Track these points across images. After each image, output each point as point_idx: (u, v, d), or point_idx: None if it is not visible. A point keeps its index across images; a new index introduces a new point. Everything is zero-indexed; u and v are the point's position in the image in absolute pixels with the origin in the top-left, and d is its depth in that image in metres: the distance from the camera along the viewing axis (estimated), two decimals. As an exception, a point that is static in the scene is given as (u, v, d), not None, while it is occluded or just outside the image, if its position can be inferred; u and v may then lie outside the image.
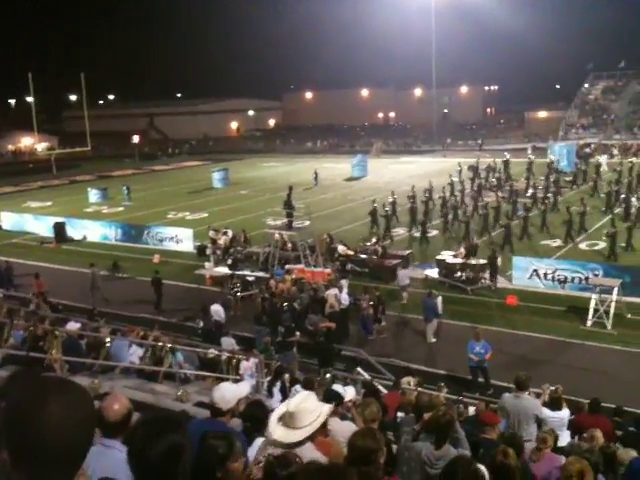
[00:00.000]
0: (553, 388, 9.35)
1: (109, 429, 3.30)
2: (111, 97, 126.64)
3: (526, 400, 7.81)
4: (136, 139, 76.26)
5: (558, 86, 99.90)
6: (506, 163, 43.04)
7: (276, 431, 3.68)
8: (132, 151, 74.53)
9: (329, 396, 6.14)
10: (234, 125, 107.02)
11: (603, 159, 46.24)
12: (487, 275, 21.31)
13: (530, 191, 34.10)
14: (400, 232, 29.62)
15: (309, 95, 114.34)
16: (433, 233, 28.37)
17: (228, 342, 14.60)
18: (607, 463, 5.62)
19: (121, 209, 40.60)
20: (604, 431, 7.46)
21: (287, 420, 3.70)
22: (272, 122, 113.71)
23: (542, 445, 6.45)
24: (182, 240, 29.23)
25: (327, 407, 3.84)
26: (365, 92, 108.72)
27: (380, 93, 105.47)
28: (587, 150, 52.50)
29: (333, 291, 17.75)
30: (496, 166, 42.53)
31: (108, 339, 11.63)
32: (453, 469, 3.98)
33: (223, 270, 23.06)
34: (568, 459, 4.74)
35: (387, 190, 34.82)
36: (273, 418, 3.79)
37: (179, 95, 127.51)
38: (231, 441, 3.13)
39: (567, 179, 39.45)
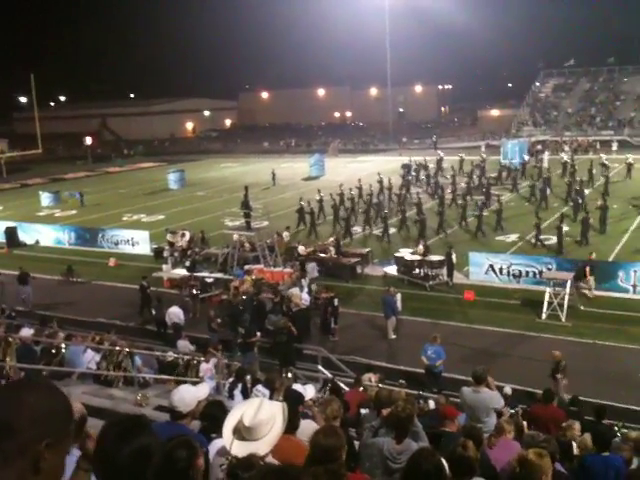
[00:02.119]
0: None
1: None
2: (62, 98, 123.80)
3: (485, 393, 7.92)
4: (89, 141, 74.65)
5: (510, 84, 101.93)
6: (461, 162, 43.89)
7: (233, 446, 3.63)
8: (85, 153, 73.01)
9: (289, 396, 6.11)
10: (189, 125, 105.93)
11: (545, 156, 47.59)
12: (445, 271, 21.60)
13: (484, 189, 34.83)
14: (358, 230, 29.79)
15: (265, 95, 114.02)
16: (391, 231, 28.64)
17: (184, 345, 14.46)
18: (563, 452, 5.75)
19: (74, 212, 39.74)
20: (557, 420, 7.64)
21: (244, 433, 3.66)
22: (228, 122, 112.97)
23: (499, 434, 6.56)
24: (138, 243, 28.79)
25: (280, 416, 3.81)
26: (321, 91, 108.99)
27: (336, 92, 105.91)
28: (539, 147, 53.71)
29: (296, 290, 17.72)
30: (427, 164, 43.74)
31: (63, 345, 11.36)
32: (417, 462, 4.01)
33: (181, 272, 22.80)
34: (528, 450, 4.81)
35: (345, 189, 35.10)
36: (227, 430, 3.73)
37: (132, 95, 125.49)
38: (192, 444, 3.10)
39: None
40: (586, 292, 19.20)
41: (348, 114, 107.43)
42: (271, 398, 6.40)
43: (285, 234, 25.66)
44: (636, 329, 16.78)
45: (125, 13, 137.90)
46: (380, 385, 11.07)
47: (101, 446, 2.18)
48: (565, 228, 24.34)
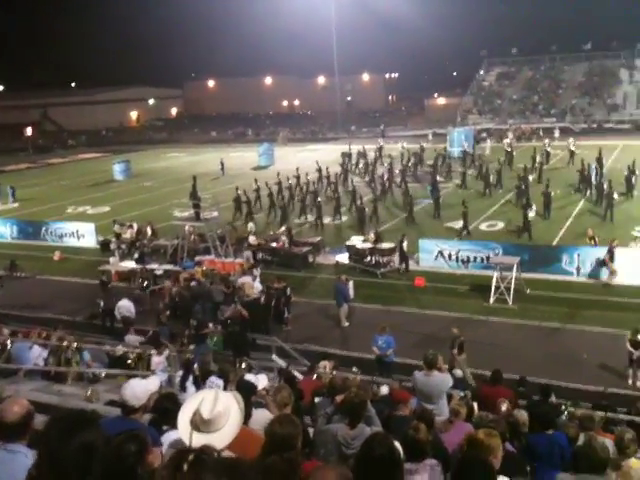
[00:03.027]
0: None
1: (8, 431, 3.17)
2: (0, 87, 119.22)
3: (436, 377, 8.08)
4: (29, 131, 72.26)
5: (455, 73, 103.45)
6: (421, 150, 44.56)
7: (192, 439, 3.60)
8: (25, 144, 70.67)
9: (242, 386, 6.11)
10: (134, 115, 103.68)
11: (487, 144, 48.75)
12: (396, 258, 21.85)
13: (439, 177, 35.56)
14: (310, 219, 29.85)
15: (212, 83, 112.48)
16: (343, 219, 28.91)
17: (132, 339, 14.23)
18: (511, 431, 5.90)
19: (16, 205, 38.48)
20: (507, 400, 7.85)
21: (201, 426, 3.63)
22: (174, 111, 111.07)
23: (454, 417, 6.70)
24: (84, 235, 28.12)
25: (236, 407, 3.78)
26: (269, 80, 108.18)
27: (284, 81, 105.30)
28: (483, 135, 54.78)
29: (247, 279, 17.63)
30: (365, 152, 44.51)
31: (9, 341, 11.02)
32: (371, 446, 4.05)
33: (129, 265, 22.39)
34: (478, 430, 4.92)
35: (293, 178, 35.36)
36: (183, 422, 3.69)
37: (74, 84, 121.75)
38: (142, 439, 3.05)
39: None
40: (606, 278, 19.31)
41: (296, 103, 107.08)
42: (225, 389, 6.37)
43: (250, 225, 25.59)
44: (579, 311, 17.37)
45: (66, 2, 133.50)
46: (334, 372, 11.15)
47: (45, 442, 2.13)
48: (531, 214, 24.92)
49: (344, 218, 29.45)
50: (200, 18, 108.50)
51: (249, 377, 7.88)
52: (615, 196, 26.36)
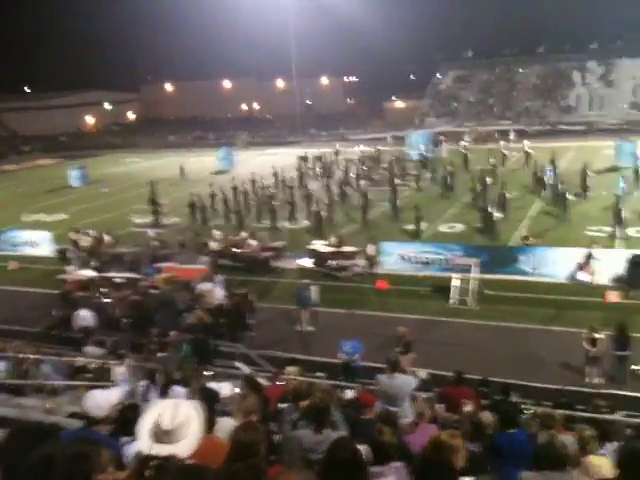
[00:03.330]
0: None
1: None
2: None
3: (399, 379, 8.16)
4: (-20, 137, 70.39)
5: (412, 76, 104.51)
6: (378, 153, 44.95)
7: (153, 450, 3.56)
8: (-24, 150, 68.83)
9: (205, 394, 6.07)
10: (90, 120, 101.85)
11: (443, 147, 49.60)
12: (360, 262, 21.98)
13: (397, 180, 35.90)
14: (279, 224, 29.81)
15: (169, 87, 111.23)
16: (302, 223, 28.95)
17: (92, 350, 13.94)
18: (475, 431, 6.00)
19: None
20: (469, 400, 7.98)
21: (162, 437, 3.59)
22: (131, 115, 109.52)
23: (419, 419, 6.78)
24: (39, 244, 27.47)
25: (196, 416, 3.76)
26: (227, 83, 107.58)
27: (242, 84, 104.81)
28: (441, 138, 55.49)
29: (208, 285, 17.48)
30: (322, 156, 44.97)
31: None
32: (335, 451, 4.08)
33: (88, 273, 21.94)
34: (441, 432, 5.00)
35: (249, 182, 35.52)
36: (143, 433, 3.65)
37: (27, 89, 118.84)
38: (96, 452, 3.01)
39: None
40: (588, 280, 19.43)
41: (255, 106, 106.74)
42: (188, 398, 6.30)
43: (214, 231, 25.42)
44: (537, 310, 17.74)
45: (17, 1, 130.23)
46: (299, 378, 11.13)
47: (5, 455, 2.09)
48: (497, 214, 25.33)
49: (303, 222, 29.53)
50: (156, 20, 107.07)
51: (212, 385, 7.81)
52: (569, 197, 27.02)
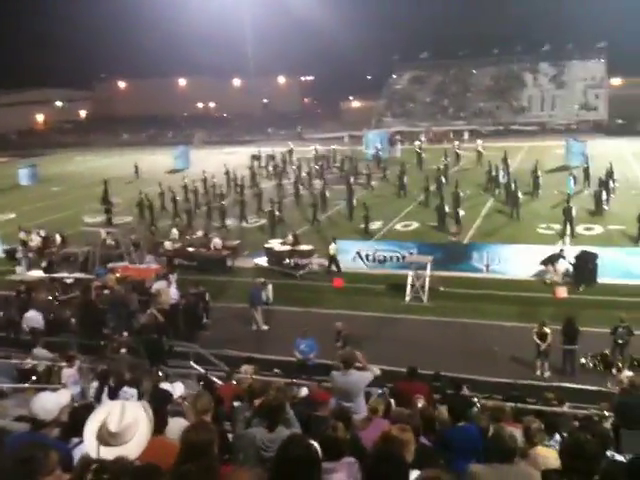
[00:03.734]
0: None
1: None
2: None
3: (353, 375, 8.18)
4: None
5: (369, 76, 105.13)
6: (333, 153, 45.14)
7: (101, 452, 3.50)
8: None
9: (157, 395, 5.99)
10: (40, 117, 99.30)
11: (398, 147, 50.20)
12: (316, 260, 22.05)
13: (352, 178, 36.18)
14: (228, 223, 29.64)
15: (123, 84, 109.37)
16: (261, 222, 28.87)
17: (41, 352, 13.59)
18: (427, 425, 6.06)
19: None
20: (422, 395, 8.07)
21: (109, 439, 3.53)
22: (83, 113, 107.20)
23: (371, 415, 6.81)
24: (-13, 244, 26.67)
25: (144, 417, 3.71)
26: (183, 81, 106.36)
27: (198, 82, 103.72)
28: (396, 137, 56.03)
29: (162, 284, 17.24)
30: (275, 155, 45.16)
31: None
32: (288, 447, 4.07)
33: (37, 274, 21.40)
34: (391, 427, 5.04)
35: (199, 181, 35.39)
36: (89, 436, 3.58)
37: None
38: (44, 455, 2.95)
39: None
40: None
41: (212, 105, 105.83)
42: (139, 399, 6.21)
43: (174, 232, 25.12)
44: (489, 306, 18.07)
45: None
46: (254, 376, 11.09)
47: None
48: (462, 212, 25.64)
49: (255, 221, 29.53)
50: (110, 17, 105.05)
51: (165, 386, 7.70)
52: (520, 195, 27.61)
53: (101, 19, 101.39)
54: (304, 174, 37.85)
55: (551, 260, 19.47)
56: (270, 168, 43.14)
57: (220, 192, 32.54)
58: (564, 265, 19.42)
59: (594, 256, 19.02)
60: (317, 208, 28.76)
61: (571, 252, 19.76)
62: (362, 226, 26.30)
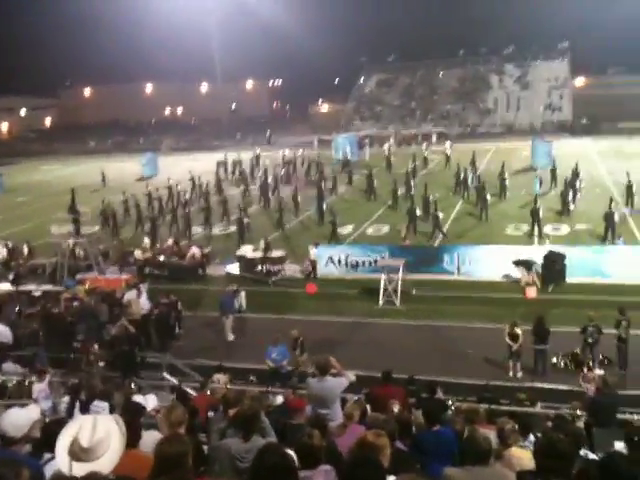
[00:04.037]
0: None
1: None
2: None
3: (330, 381, 8.17)
4: None
5: (337, 80, 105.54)
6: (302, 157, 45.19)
7: (73, 468, 3.44)
8: None
9: (129, 408, 5.91)
10: (4, 126, 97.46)
11: (367, 150, 50.53)
12: (288, 266, 22.02)
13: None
14: (198, 231, 29.46)
15: (89, 91, 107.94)
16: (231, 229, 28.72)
17: (10, 368, 13.31)
18: (402, 429, 6.08)
19: None
20: (397, 399, 8.10)
21: (82, 455, 3.47)
22: (49, 121, 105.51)
23: (347, 421, 6.80)
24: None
25: (116, 431, 3.66)
26: (149, 87, 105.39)
27: (165, 88, 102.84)
28: (366, 141, 56.31)
29: (132, 294, 17.04)
30: (241, 161, 45.03)
31: None
32: (264, 457, 4.05)
33: (4, 286, 20.96)
34: (366, 432, 5.04)
35: (180, 188, 35.03)
36: (61, 451, 3.51)
37: None
38: (15, 472, 2.90)
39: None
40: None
41: (179, 110, 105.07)
42: (111, 412, 6.12)
43: (146, 241, 24.83)
44: (461, 308, 18.23)
45: None
46: (228, 386, 11.01)
47: None
48: (440, 215, 25.76)
49: (223, 229, 29.45)
50: (75, 23, 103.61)
51: (137, 398, 7.60)
52: (488, 197, 27.94)
53: (66, 25, 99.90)
54: (269, 180, 37.76)
55: (525, 264, 19.69)
56: (236, 174, 42.94)
57: (184, 199, 32.32)
58: (537, 268, 19.65)
59: (562, 256, 19.32)
60: (282, 214, 28.70)
61: (538, 252, 20.04)
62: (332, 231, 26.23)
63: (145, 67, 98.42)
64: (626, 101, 68.80)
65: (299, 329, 14.72)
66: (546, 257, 19.42)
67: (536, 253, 20.06)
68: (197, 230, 29.24)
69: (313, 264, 21.74)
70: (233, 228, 28.82)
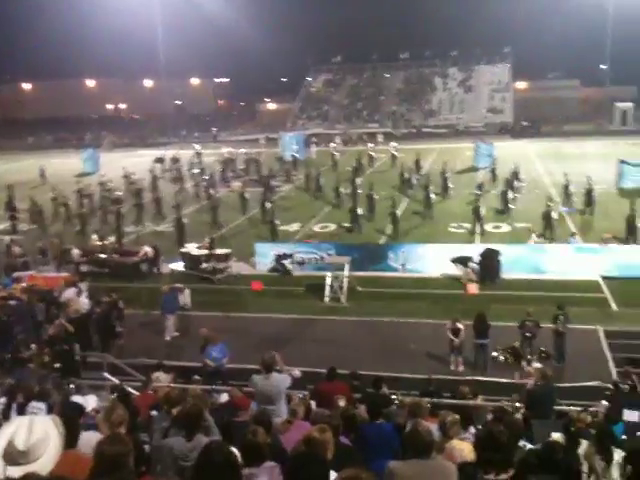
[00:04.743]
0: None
1: None
2: None
3: (275, 378, 8.15)
4: None
5: (284, 79, 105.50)
6: (229, 158, 44.76)
7: (8, 472, 3.31)
8: None
9: (68, 408, 5.74)
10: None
11: (313, 149, 50.77)
12: (232, 264, 21.83)
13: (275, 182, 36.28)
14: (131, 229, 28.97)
15: (28, 86, 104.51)
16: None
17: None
18: (347, 424, 6.10)
19: None
20: (342, 395, 8.14)
21: (18, 457, 3.35)
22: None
23: (292, 417, 6.80)
24: None
25: (54, 432, 3.54)
26: (91, 82, 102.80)
27: (108, 83, 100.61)
28: (313, 139, 56.42)
29: (71, 293, 16.55)
30: (179, 158, 44.61)
31: None
32: (208, 455, 4.00)
33: None
34: (311, 428, 5.04)
35: (120, 184, 34.40)
36: None
37: None
38: None
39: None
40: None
41: (122, 106, 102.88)
42: (49, 413, 5.93)
43: (94, 237, 24.14)
44: (405, 304, 18.45)
45: None
46: (172, 385, 10.84)
47: None
48: (398, 212, 25.85)
49: (156, 226, 29.10)
50: (13, 17, 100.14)
51: (77, 398, 7.39)
52: (432, 196, 28.41)
53: (5, 19, 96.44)
54: (205, 177, 37.61)
55: (462, 261, 20.10)
56: (174, 171, 42.19)
57: (116, 197, 31.67)
58: (473, 266, 20.09)
59: (497, 253, 19.82)
60: (216, 212, 28.48)
61: (477, 250, 20.50)
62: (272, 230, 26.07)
63: (87, 62, 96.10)
64: (564, 104, 71.35)
65: (207, 329, 14.36)
66: (482, 254, 19.87)
67: (479, 250, 20.48)
68: (130, 228, 28.64)
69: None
70: (165, 227, 28.55)
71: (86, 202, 31.97)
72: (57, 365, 12.98)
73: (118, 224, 27.23)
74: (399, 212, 26.05)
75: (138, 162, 45.31)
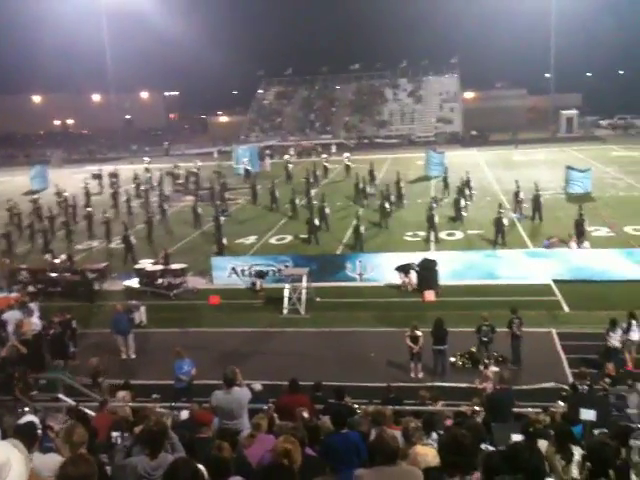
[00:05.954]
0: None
1: None
2: None
3: (237, 392, 8.09)
4: None
5: (235, 92, 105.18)
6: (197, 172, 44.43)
7: None
8: None
9: (20, 430, 5.60)
10: None
11: (267, 161, 50.85)
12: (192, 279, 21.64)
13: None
14: (94, 244, 28.37)
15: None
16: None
17: None
18: (311, 436, 6.10)
19: None
20: (305, 407, 8.12)
21: None
22: None
23: (255, 431, 6.75)
24: None
25: (17, 456, 3.43)
26: (37, 98, 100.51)
27: (55, 98, 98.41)
28: (267, 152, 56.45)
29: (16, 314, 16.01)
30: (117, 173, 44.52)
31: None
32: (174, 472, 3.95)
33: None
34: (278, 439, 5.03)
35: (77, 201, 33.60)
36: None
37: None
38: None
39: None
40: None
41: (70, 122, 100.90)
42: (3, 437, 5.74)
43: (47, 257, 23.52)
44: (364, 313, 18.56)
45: None
46: (131, 404, 10.63)
47: None
48: (362, 229, 25.68)
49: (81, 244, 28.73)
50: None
51: (31, 419, 7.14)
52: (387, 205, 28.71)
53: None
54: (142, 188, 37.66)
55: (404, 269, 20.36)
56: (112, 188, 41.42)
57: (50, 214, 31.07)
58: (414, 275, 20.37)
59: (434, 263, 20.12)
60: (152, 225, 28.37)
61: (438, 257, 20.79)
62: (241, 241, 25.89)
63: (33, 78, 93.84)
64: (512, 113, 73.23)
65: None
66: (420, 264, 20.13)
67: (436, 258, 20.74)
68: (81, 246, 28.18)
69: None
70: (95, 243, 28.47)
71: (15, 220, 31.58)
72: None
73: (46, 242, 27.09)
74: (363, 227, 25.62)
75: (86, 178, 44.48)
